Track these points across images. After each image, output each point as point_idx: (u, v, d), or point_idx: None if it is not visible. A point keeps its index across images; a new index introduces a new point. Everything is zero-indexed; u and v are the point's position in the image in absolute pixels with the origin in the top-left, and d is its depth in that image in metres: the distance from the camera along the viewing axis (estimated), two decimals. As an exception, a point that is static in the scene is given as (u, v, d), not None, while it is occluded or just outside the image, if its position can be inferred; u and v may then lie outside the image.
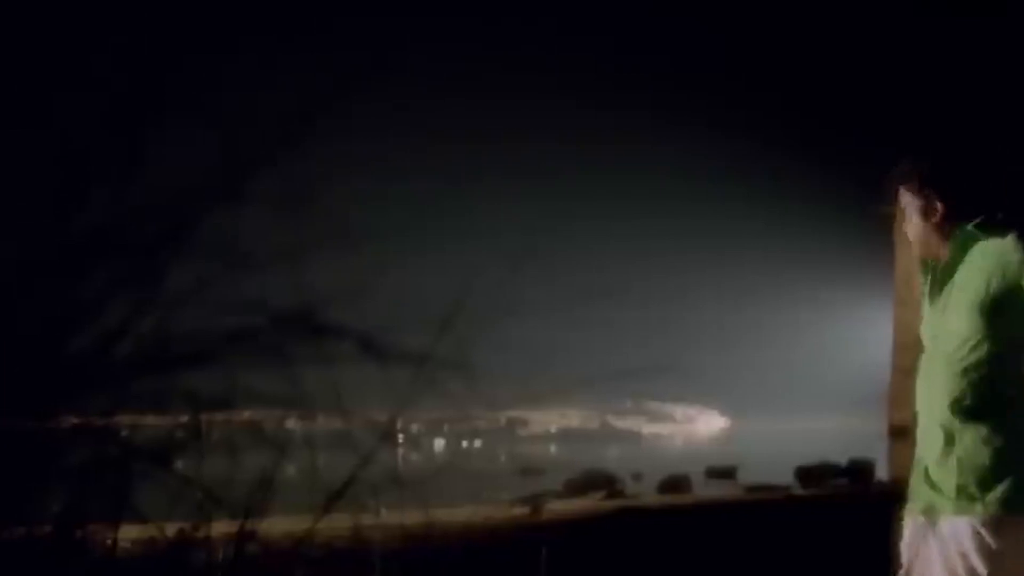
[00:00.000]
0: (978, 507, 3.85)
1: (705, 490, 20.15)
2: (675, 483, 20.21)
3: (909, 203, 4.08)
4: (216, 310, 2.70)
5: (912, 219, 4.08)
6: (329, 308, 2.77)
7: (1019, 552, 3.83)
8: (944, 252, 4.02)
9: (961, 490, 3.87)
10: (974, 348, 3.90)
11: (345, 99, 2.77)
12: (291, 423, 2.91)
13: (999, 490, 3.84)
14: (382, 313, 2.84)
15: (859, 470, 21.62)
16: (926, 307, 4.10)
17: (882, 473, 21.19)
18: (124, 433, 2.75)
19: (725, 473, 23.48)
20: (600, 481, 19.80)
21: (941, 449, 3.93)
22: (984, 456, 3.86)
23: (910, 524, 4.04)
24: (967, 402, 3.89)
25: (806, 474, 20.71)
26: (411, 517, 3.19)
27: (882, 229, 25.93)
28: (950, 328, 3.96)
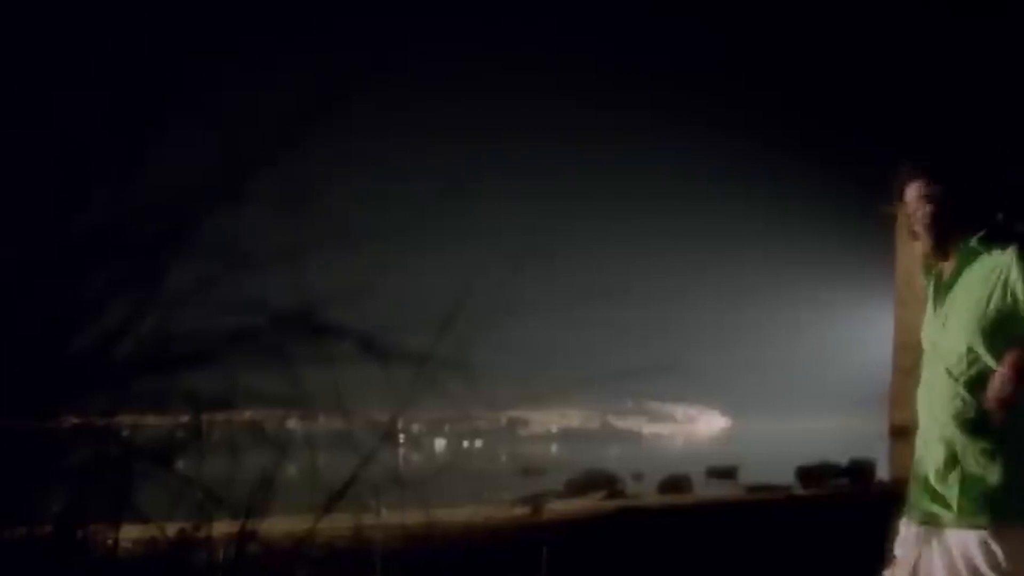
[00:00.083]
0: (983, 519, 3.84)
1: (706, 490, 20.15)
2: (676, 483, 20.22)
3: (914, 202, 4.07)
4: (216, 310, 2.70)
5: (917, 219, 4.07)
6: (329, 308, 2.77)
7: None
8: (947, 261, 4.02)
9: (965, 503, 3.87)
10: (974, 363, 3.90)
11: (345, 99, 2.77)
12: (292, 423, 2.91)
13: (1004, 503, 3.84)
14: (382, 313, 2.84)
15: (860, 470, 21.62)
16: (929, 311, 4.10)
17: (883, 473, 21.18)
18: (125, 433, 2.75)
19: (726, 473, 23.48)
20: (601, 481, 19.81)
21: (944, 462, 3.93)
22: (988, 470, 3.86)
23: (907, 531, 4.04)
24: (969, 416, 3.89)
25: (807, 474, 20.71)
26: (412, 517, 3.19)
27: (883, 229, 25.94)
28: (950, 342, 3.96)
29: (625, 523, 13.20)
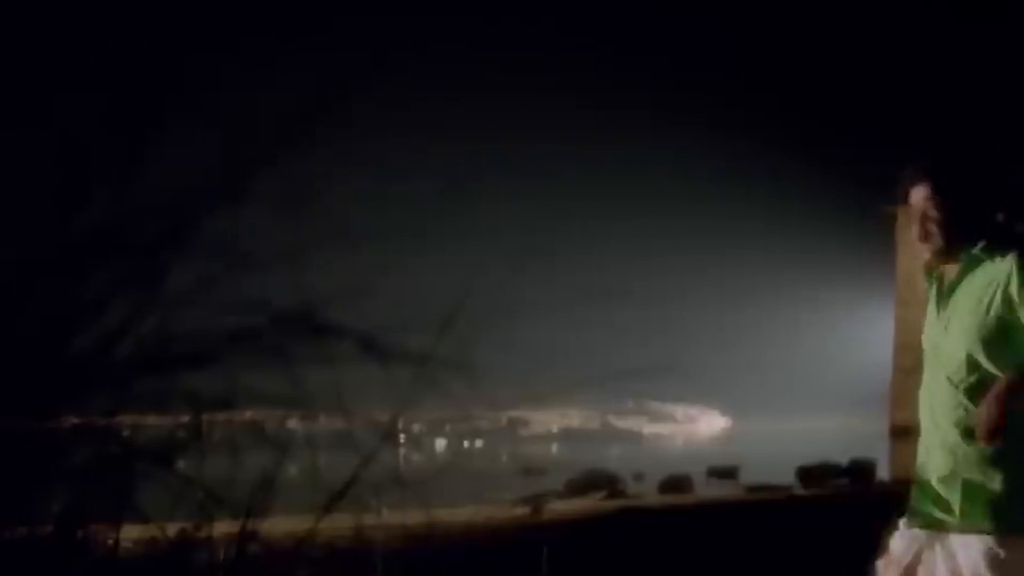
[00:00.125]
0: (987, 526, 3.85)
1: (706, 490, 20.15)
2: (676, 483, 20.21)
3: (919, 203, 4.06)
4: (217, 310, 2.70)
5: (922, 220, 4.06)
6: (330, 308, 2.77)
7: None
8: (950, 266, 4.02)
9: (968, 510, 3.87)
10: (974, 371, 3.91)
11: (345, 99, 2.77)
12: (292, 423, 2.91)
13: (1007, 510, 3.84)
14: (383, 313, 2.84)
15: (860, 470, 21.62)
16: (931, 314, 4.10)
17: (883, 473, 21.18)
18: (125, 433, 2.75)
19: (726, 473, 23.47)
20: (601, 481, 19.80)
21: (946, 469, 3.93)
22: (990, 477, 3.86)
23: (905, 529, 4.04)
24: (971, 424, 3.89)
25: (807, 474, 20.70)
26: (413, 517, 3.19)
27: (883, 229, 25.94)
28: (951, 348, 3.97)
29: (626, 523, 13.20)
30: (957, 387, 3.93)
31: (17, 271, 2.63)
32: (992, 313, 3.90)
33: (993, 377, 3.86)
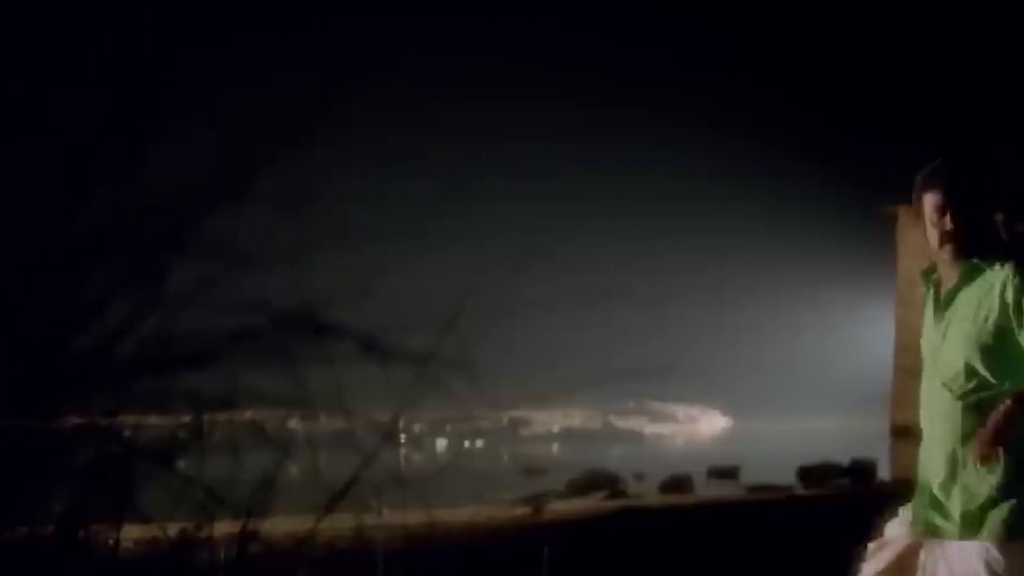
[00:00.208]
0: (985, 533, 3.86)
1: (707, 490, 20.12)
2: (677, 483, 20.18)
3: (929, 207, 4.06)
4: (217, 310, 2.70)
5: (929, 224, 4.06)
6: (330, 308, 2.77)
7: None
8: (951, 272, 4.02)
9: (966, 516, 3.88)
10: (972, 379, 3.92)
11: (345, 99, 2.77)
12: (293, 423, 2.91)
13: (1005, 516, 3.85)
14: (383, 313, 2.84)
15: (861, 470, 21.60)
16: (929, 320, 4.10)
17: (884, 473, 21.18)
18: (127, 433, 2.75)
19: (727, 473, 23.44)
20: (602, 481, 19.78)
21: (946, 475, 3.95)
22: (988, 483, 3.87)
23: (904, 520, 4.04)
24: (969, 431, 3.91)
25: (808, 474, 20.68)
26: (413, 517, 3.19)
27: (883, 229, 25.94)
28: (949, 355, 3.98)
29: (627, 523, 13.20)
30: (955, 396, 3.95)
31: (18, 271, 2.63)
32: (990, 321, 3.91)
33: (990, 384, 3.89)
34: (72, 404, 2.64)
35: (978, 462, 3.86)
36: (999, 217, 4.03)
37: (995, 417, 3.84)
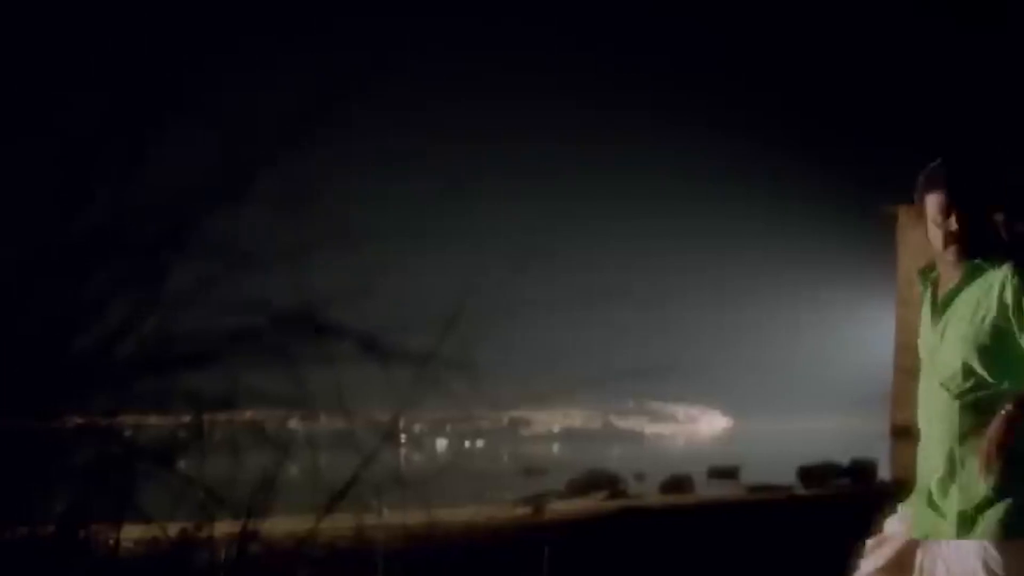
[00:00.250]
0: (981, 532, 3.86)
1: (707, 490, 20.13)
2: (677, 483, 20.19)
3: (933, 207, 4.05)
4: (217, 310, 2.70)
5: (933, 225, 4.05)
6: (330, 308, 2.77)
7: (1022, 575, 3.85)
8: (952, 272, 4.02)
9: (964, 516, 3.89)
10: (970, 377, 3.92)
11: (345, 99, 2.77)
12: (293, 423, 2.91)
13: (1003, 516, 3.85)
14: (383, 313, 2.84)
15: (861, 470, 21.61)
16: (926, 320, 4.10)
17: (884, 473, 21.18)
18: (127, 433, 2.75)
19: (727, 473, 23.45)
20: (603, 481, 19.79)
21: (943, 475, 3.95)
22: (986, 483, 3.87)
23: (903, 516, 4.05)
24: (966, 431, 3.91)
25: (808, 474, 20.69)
26: (413, 517, 3.19)
27: (883, 229, 25.93)
28: (946, 355, 3.98)
29: (627, 523, 13.21)
30: (952, 396, 3.95)
31: (18, 271, 2.63)
32: (988, 321, 3.91)
33: (988, 384, 3.89)
34: (72, 404, 2.64)
35: (982, 473, 3.86)
36: (999, 217, 4.03)
37: (996, 424, 3.83)
